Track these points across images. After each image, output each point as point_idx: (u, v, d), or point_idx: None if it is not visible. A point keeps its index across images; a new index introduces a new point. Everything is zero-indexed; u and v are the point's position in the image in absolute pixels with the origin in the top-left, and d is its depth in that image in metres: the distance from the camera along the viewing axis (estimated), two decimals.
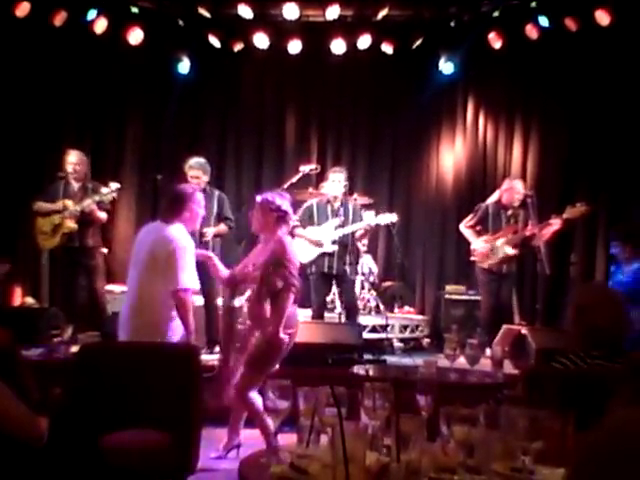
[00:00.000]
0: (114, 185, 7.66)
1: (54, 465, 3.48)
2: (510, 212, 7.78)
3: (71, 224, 7.50)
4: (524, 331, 6.71)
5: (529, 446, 2.02)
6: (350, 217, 7.62)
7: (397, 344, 8.34)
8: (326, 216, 7.64)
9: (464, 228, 7.95)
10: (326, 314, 7.96)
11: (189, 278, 4.98)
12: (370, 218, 7.70)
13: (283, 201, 5.05)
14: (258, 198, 5.15)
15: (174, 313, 4.96)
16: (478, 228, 7.85)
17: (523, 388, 2.67)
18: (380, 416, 2.29)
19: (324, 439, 2.29)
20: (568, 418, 2.22)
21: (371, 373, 5.14)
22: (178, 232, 5.05)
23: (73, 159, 7.76)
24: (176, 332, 4.98)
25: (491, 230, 7.77)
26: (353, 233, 7.58)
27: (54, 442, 3.55)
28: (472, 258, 7.91)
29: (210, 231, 7.36)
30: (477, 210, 7.94)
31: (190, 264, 5.01)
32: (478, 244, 7.77)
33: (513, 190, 7.79)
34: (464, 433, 2.17)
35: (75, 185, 7.73)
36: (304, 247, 7.64)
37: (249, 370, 4.89)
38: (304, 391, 2.34)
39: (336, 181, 7.61)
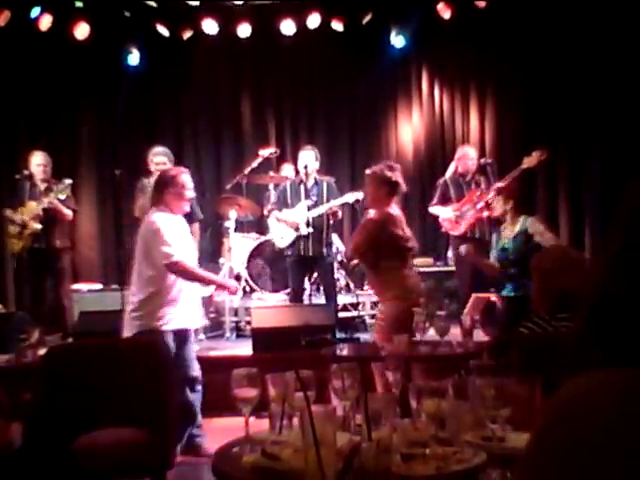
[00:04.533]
0: (67, 181, 7.58)
1: (29, 470, 3.45)
2: (469, 178, 7.79)
3: (35, 225, 7.42)
4: (493, 298, 6.73)
5: (497, 414, 2.03)
6: (324, 197, 7.47)
7: (369, 321, 8.34)
8: (299, 197, 7.49)
9: (431, 208, 7.94)
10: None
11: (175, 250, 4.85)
12: (348, 197, 7.46)
13: (394, 173, 4.96)
14: (367, 171, 5.06)
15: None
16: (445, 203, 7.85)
17: (488, 356, 2.69)
18: (350, 396, 2.29)
19: (296, 424, 2.28)
20: (535, 383, 2.24)
21: (344, 353, 5.11)
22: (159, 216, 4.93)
23: (39, 160, 7.69)
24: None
25: (455, 200, 7.79)
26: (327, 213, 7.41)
27: (28, 447, 3.52)
28: (443, 229, 7.92)
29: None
30: (437, 188, 7.94)
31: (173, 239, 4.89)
32: (446, 213, 7.76)
33: (466, 157, 7.83)
34: (434, 406, 2.18)
35: (41, 186, 7.64)
36: (283, 230, 7.59)
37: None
38: (272, 377, 2.33)
39: (305, 158, 7.48)
